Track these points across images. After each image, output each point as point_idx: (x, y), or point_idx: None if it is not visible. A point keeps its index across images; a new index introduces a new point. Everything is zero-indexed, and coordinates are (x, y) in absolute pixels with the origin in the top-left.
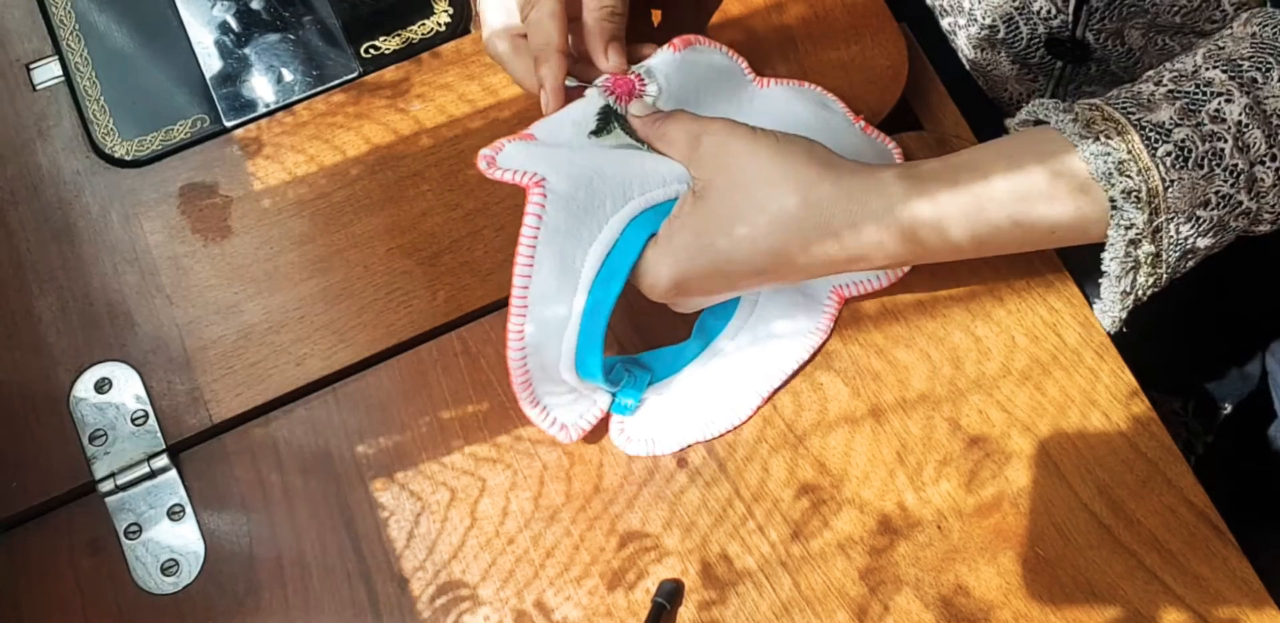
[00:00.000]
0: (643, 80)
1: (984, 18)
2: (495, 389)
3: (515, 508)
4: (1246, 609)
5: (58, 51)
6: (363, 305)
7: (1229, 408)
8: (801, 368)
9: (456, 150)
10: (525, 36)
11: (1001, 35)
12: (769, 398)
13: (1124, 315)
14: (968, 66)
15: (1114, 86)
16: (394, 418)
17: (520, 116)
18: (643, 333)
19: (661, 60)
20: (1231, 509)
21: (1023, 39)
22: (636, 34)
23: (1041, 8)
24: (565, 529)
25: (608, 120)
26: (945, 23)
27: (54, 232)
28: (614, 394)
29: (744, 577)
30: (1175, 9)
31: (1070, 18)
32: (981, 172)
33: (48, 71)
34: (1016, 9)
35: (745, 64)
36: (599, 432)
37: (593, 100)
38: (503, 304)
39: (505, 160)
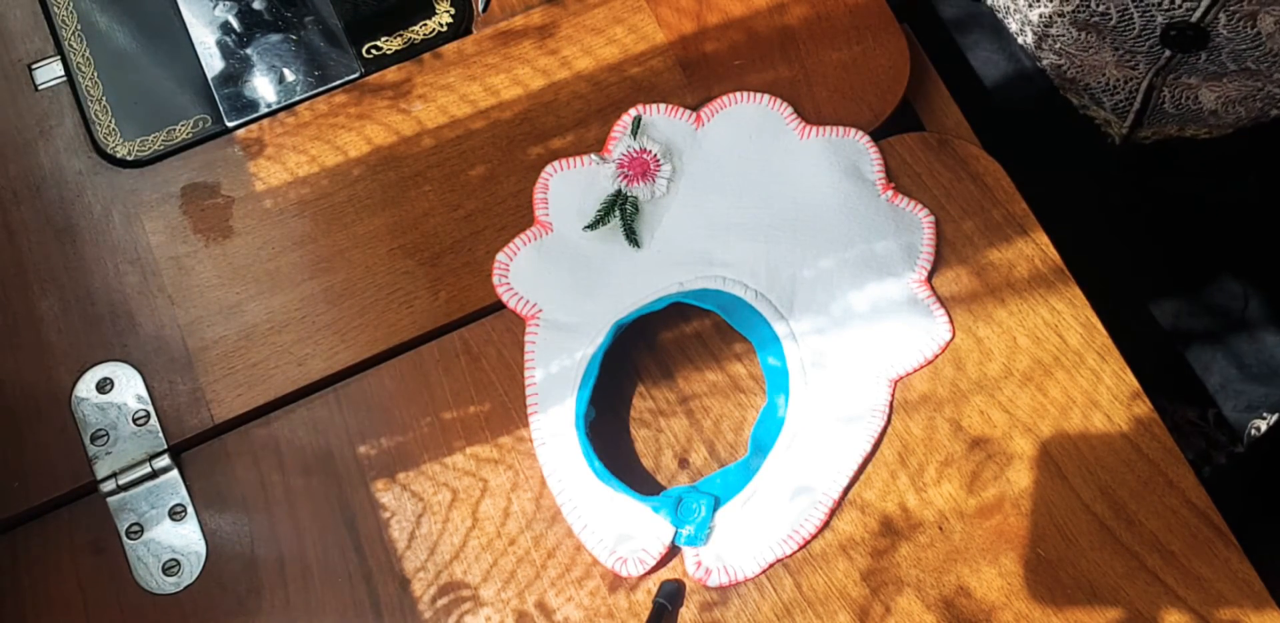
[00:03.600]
0: (658, 161)
1: (1096, 5)
2: (497, 390)
3: (517, 509)
4: (1248, 611)
5: (60, 52)
6: (364, 306)
7: (1271, 418)
8: (868, 461)
9: (458, 151)
10: None
11: (1113, 23)
12: (840, 500)
13: None
14: (1045, 61)
15: (1214, 78)
16: (395, 418)
17: (521, 118)
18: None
19: (680, 137)
20: (1258, 523)
21: (1135, 27)
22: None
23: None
24: (567, 530)
25: (609, 210)
26: (1035, 15)
27: (56, 232)
28: (677, 527)
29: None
30: None
31: (1207, 3)
32: None
33: (50, 72)
34: (1135, 1)
35: (789, 112)
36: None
37: (604, 180)
38: (504, 304)
39: (516, 275)
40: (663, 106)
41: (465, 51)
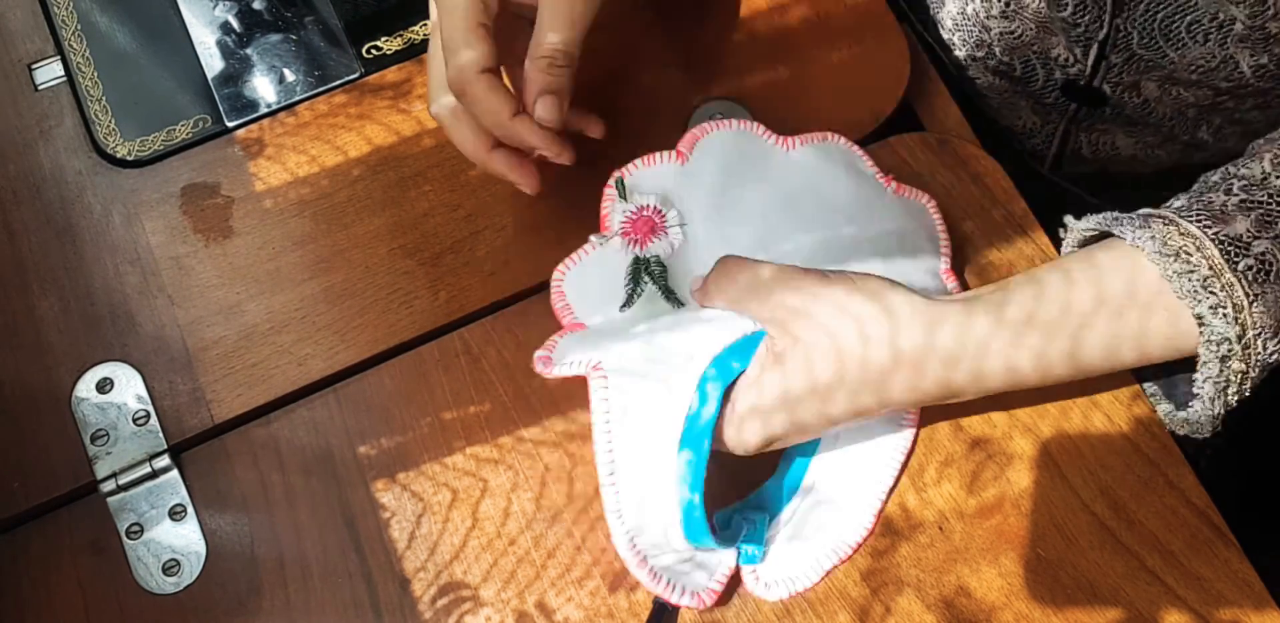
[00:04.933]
0: (659, 211)
1: (1002, 55)
2: (497, 390)
3: (517, 509)
4: (1248, 610)
5: (60, 52)
6: (364, 306)
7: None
8: (909, 458)
9: (458, 151)
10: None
11: (1018, 73)
12: (887, 499)
13: (1215, 427)
14: (972, 99)
15: (1128, 128)
16: (395, 418)
17: None
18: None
19: (671, 179)
20: (1241, 512)
21: (1039, 80)
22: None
23: (1060, 55)
24: (567, 530)
25: (637, 280)
26: (949, 58)
27: (56, 232)
28: (738, 547)
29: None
30: (1192, 69)
31: (1088, 70)
32: (1067, 300)
33: (50, 72)
34: (1035, 53)
35: (763, 129)
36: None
37: (615, 255)
38: (504, 304)
39: (559, 356)
40: (638, 161)
41: None
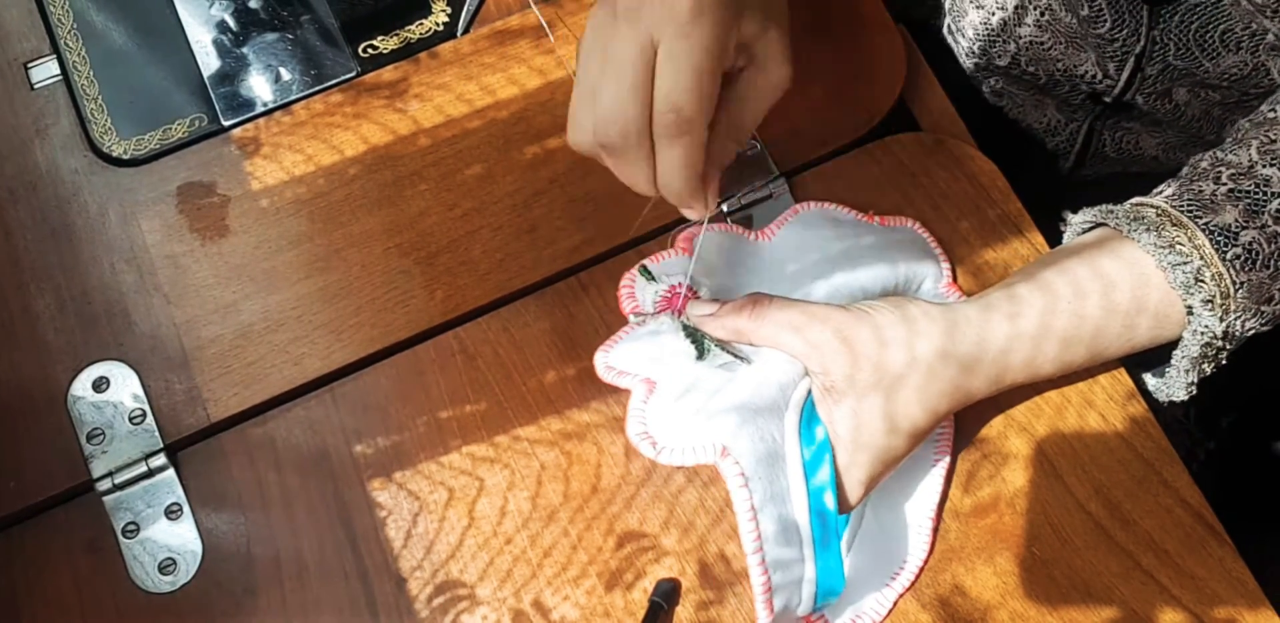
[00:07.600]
0: (692, 289)
1: (1027, 65)
2: (493, 389)
3: (513, 508)
4: (1242, 609)
5: (55, 50)
6: (360, 305)
7: (1234, 415)
8: (950, 476)
9: (454, 150)
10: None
11: (1042, 83)
12: (939, 515)
13: (1189, 393)
14: (988, 101)
15: (1153, 127)
16: (391, 417)
17: (518, 117)
18: None
19: (682, 267)
20: (1235, 510)
21: (1064, 88)
22: None
23: (1088, 71)
24: (563, 529)
25: (698, 339)
26: (970, 63)
27: (52, 230)
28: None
29: (742, 577)
30: (1224, 77)
31: (1120, 84)
32: (1070, 288)
33: (45, 70)
34: (1060, 70)
35: (740, 229)
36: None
37: (662, 326)
38: (500, 303)
39: (659, 433)
40: (650, 257)
41: (461, 51)
